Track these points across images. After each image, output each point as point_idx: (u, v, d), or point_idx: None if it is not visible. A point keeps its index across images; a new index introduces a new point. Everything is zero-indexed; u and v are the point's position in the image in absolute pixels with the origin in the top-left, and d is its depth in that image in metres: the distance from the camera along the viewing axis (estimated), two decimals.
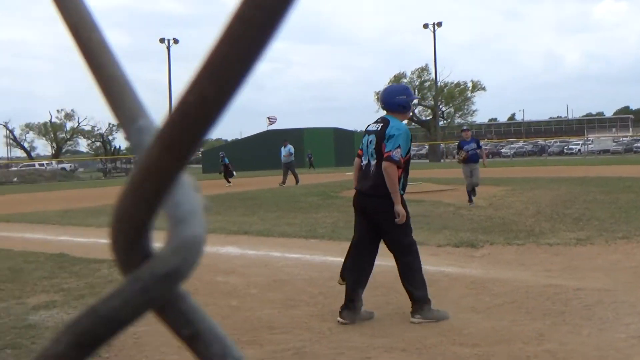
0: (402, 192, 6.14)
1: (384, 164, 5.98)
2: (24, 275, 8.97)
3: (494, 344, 5.35)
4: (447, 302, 6.54)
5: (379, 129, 6.19)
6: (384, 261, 8.54)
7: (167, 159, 0.18)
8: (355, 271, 6.21)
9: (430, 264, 7.78)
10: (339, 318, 6.03)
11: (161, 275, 0.19)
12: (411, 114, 6.96)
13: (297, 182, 28.45)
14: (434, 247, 9.74)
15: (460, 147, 17.29)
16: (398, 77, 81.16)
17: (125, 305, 0.19)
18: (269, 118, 67.32)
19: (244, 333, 5.93)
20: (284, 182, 28.52)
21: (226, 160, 34.81)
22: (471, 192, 16.68)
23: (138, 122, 0.22)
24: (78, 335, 0.19)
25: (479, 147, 17.10)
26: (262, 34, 0.16)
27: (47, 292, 7.82)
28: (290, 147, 29.40)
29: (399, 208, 6.01)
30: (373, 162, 6.16)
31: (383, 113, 6.47)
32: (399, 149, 5.96)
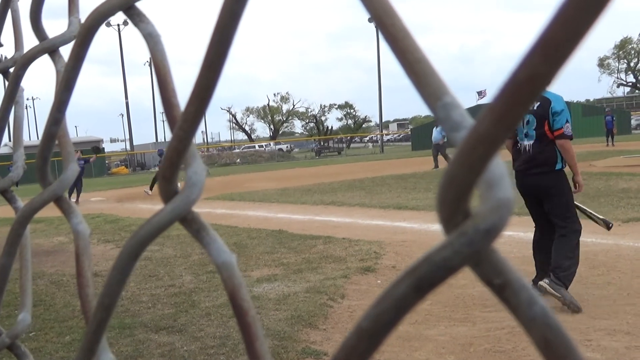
0: (563, 165, 6.11)
1: (561, 141, 5.98)
2: (248, 250, 9.71)
3: None
4: None
5: (536, 108, 6.09)
6: (604, 239, 8.07)
7: (496, 129, 0.21)
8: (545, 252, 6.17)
9: None
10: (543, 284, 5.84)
11: (483, 230, 0.23)
12: None
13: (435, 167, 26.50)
14: None
15: None
16: (624, 43, 75.28)
17: (455, 255, 0.23)
18: (478, 92, 65.53)
19: (456, 310, 5.93)
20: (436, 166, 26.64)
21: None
22: None
23: (443, 99, 0.25)
24: (417, 279, 0.23)
25: None
26: (594, 12, 0.18)
27: (268, 266, 8.41)
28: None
29: (578, 178, 6.19)
30: (528, 143, 6.13)
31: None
32: (568, 124, 5.99)
